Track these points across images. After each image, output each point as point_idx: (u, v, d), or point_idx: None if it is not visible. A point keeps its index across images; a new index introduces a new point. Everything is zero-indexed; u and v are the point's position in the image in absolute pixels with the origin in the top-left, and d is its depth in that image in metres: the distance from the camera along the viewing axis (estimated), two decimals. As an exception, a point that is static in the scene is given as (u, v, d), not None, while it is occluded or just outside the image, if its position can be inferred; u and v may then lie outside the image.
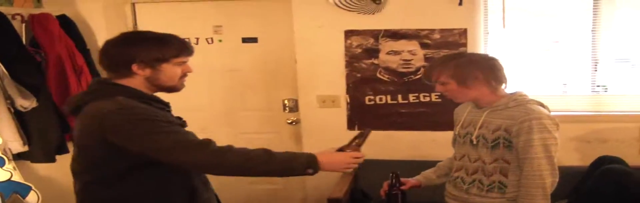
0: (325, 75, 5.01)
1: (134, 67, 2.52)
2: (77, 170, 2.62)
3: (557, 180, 2.77)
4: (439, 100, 4.77)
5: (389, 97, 4.93)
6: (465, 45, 4.70)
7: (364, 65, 4.90)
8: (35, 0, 4.75)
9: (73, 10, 4.95)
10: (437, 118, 4.82)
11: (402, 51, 4.82)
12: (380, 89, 4.93)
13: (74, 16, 4.84)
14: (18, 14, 4.44)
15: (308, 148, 4.97)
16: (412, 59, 4.80)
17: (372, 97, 4.95)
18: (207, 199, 2.74)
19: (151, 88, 2.62)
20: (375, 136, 4.57)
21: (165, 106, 2.66)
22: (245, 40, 4.97)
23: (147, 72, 2.56)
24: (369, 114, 4.99)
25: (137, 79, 2.57)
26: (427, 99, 4.85)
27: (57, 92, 4.34)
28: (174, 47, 2.62)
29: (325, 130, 5.00)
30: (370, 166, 4.58)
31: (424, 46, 4.77)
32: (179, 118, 2.74)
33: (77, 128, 2.56)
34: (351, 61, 4.90)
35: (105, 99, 2.48)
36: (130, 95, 2.53)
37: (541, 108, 2.85)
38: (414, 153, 4.87)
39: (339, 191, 4.36)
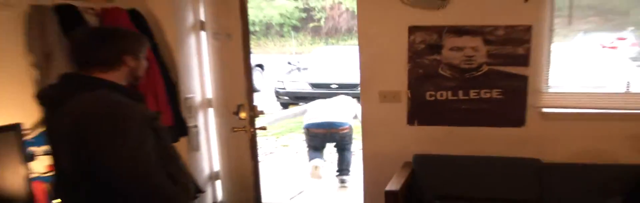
0: (387, 71, 5.17)
1: (127, 58, 2.80)
2: (67, 166, 2.78)
3: None
4: (501, 97, 4.89)
5: (450, 93, 5.05)
6: (529, 41, 4.80)
7: (426, 61, 5.03)
8: None
9: (143, 4, 5.20)
10: (497, 114, 5.02)
11: (465, 47, 4.93)
12: (441, 85, 5.08)
13: (143, 10, 5.08)
14: (90, 9, 4.68)
15: (368, 141, 5.25)
16: (474, 56, 4.91)
17: (433, 93, 5.08)
18: (186, 184, 2.96)
19: (128, 79, 2.89)
20: (436, 132, 5.03)
21: (141, 97, 2.94)
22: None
23: (133, 64, 2.84)
24: (430, 109, 5.16)
25: (122, 71, 2.83)
26: (488, 95, 4.97)
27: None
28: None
29: (385, 125, 5.20)
30: (430, 161, 4.92)
31: (487, 42, 4.88)
32: (157, 112, 3.04)
33: (61, 121, 2.69)
34: (414, 56, 5.03)
35: (89, 92, 2.68)
36: (111, 87, 2.76)
37: None
38: (474, 149, 5.08)
39: (397, 184, 4.53)
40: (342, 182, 6.77)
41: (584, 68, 4.97)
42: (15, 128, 3.76)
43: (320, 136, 6.74)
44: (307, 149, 7.32)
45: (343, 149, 6.88)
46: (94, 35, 2.91)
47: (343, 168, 6.83)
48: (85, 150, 2.67)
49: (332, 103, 7.15)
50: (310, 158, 7.20)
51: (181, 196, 2.88)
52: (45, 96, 2.90)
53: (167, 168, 2.87)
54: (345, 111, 6.96)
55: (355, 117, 6.90)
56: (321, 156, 7.25)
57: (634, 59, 4.95)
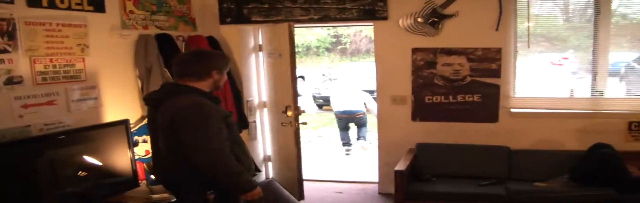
0: (396, 80, 5.80)
1: (214, 72, 3.24)
2: (163, 151, 3.22)
3: None
4: (480, 100, 5.54)
5: (442, 97, 5.69)
6: (500, 60, 5.43)
7: (425, 73, 5.66)
8: (192, 26, 5.70)
9: (218, 33, 5.86)
10: (477, 113, 5.65)
11: (453, 64, 5.58)
12: (436, 91, 5.68)
13: (218, 37, 5.78)
14: (180, 36, 5.38)
15: (382, 133, 5.93)
16: (460, 70, 5.58)
17: (430, 97, 5.72)
18: (248, 165, 3.38)
19: (211, 87, 3.29)
20: (432, 126, 5.58)
21: (219, 100, 3.31)
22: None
23: (218, 76, 3.26)
24: (428, 109, 5.76)
25: (209, 82, 3.25)
26: (471, 99, 5.62)
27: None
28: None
29: (395, 121, 5.83)
30: (427, 148, 5.53)
31: (469, 59, 5.54)
32: (230, 112, 3.45)
33: (160, 117, 3.17)
34: (416, 70, 5.66)
35: (183, 96, 3.12)
36: (199, 93, 3.17)
37: None
38: (461, 139, 5.70)
39: (403, 165, 5.17)
40: (361, 144, 9.13)
41: (540, 79, 5.50)
42: (124, 123, 4.29)
43: (344, 119, 9.17)
44: (338, 128, 9.54)
45: (361, 125, 9.25)
46: (194, 55, 3.32)
47: (361, 136, 9.23)
48: (177, 137, 3.07)
49: (348, 94, 9.21)
50: (341, 137, 9.40)
51: (244, 172, 3.15)
52: (150, 99, 3.32)
53: (236, 152, 3.23)
54: (358, 101, 9.05)
55: (365, 104, 9.06)
56: (348, 135, 9.37)
57: (574, 72, 5.52)
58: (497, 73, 5.52)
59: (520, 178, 5.30)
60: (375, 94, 5.95)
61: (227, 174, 3.07)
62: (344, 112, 9.12)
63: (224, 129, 3.11)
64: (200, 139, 3.00)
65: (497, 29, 5.38)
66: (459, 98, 5.66)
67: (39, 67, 3.89)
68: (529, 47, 5.45)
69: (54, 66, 4.01)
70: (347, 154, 9.14)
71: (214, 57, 3.33)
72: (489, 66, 5.51)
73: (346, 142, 9.42)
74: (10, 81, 3.67)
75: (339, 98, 9.31)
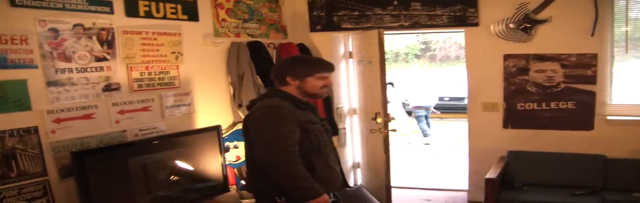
0: (488, 87, 5.74)
1: (288, 78, 3.23)
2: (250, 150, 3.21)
3: None
4: (574, 107, 5.40)
5: (535, 104, 5.61)
6: (595, 66, 5.28)
7: (517, 80, 5.59)
8: (283, 34, 5.81)
9: (308, 40, 5.97)
10: (571, 120, 5.53)
11: (547, 70, 5.49)
12: (529, 98, 5.60)
13: (308, 44, 5.90)
14: (271, 43, 5.51)
15: (473, 140, 5.86)
16: (554, 76, 5.49)
17: (522, 104, 5.64)
18: (328, 176, 3.26)
19: (301, 94, 3.27)
20: (524, 134, 5.51)
21: (307, 106, 3.27)
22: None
23: (297, 82, 3.24)
24: (520, 117, 5.68)
25: (292, 87, 3.25)
26: (565, 106, 5.50)
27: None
28: (316, 66, 3.29)
29: (486, 128, 5.75)
30: (519, 156, 5.44)
31: (563, 66, 5.43)
32: (322, 119, 3.38)
33: (246, 120, 3.24)
34: (507, 77, 5.59)
35: (267, 99, 3.20)
36: (284, 97, 3.19)
37: None
38: (555, 147, 5.56)
39: (494, 173, 5.09)
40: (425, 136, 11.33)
41: (639, 85, 5.28)
42: (216, 129, 4.39)
43: (421, 111, 11.58)
44: (416, 118, 11.75)
45: (427, 117, 11.60)
46: (279, 61, 3.52)
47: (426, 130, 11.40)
48: (249, 138, 3.14)
49: (423, 92, 11.87)
50: (421, 129, 11.56)
51: (308, 178, 3.06)
52: (250, 103, 3.36)
53: (313, 160, 3.18)
54: (431, 98, 11.71)
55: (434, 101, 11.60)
56: (426, 126, 11.51)
57: (676, 78, 4.94)
58: (592, 80, 5.37)
59: (617, 188, 5.13)
60: (465, 100, 5.70)
61: (289, 177, 3.03)
62: (420, 106, 11.57)
63: (297, 133, 3.07)
64: (266, 139, 3.02)
65: (592, 34, 5.24)
66: (553, 105, 5.54)
67: (136, 74, 4.02)
68: (627, 52, 5.27)
69: (150, 73, 4.14)
70: (426, 144, 11.20)
71: (289, 63, 3.34)
72: (584, 72, 5.37)
73: (426, 134, 11.44)
74: (109, 88, 3.80)
75: (417, 95, 11.81)
